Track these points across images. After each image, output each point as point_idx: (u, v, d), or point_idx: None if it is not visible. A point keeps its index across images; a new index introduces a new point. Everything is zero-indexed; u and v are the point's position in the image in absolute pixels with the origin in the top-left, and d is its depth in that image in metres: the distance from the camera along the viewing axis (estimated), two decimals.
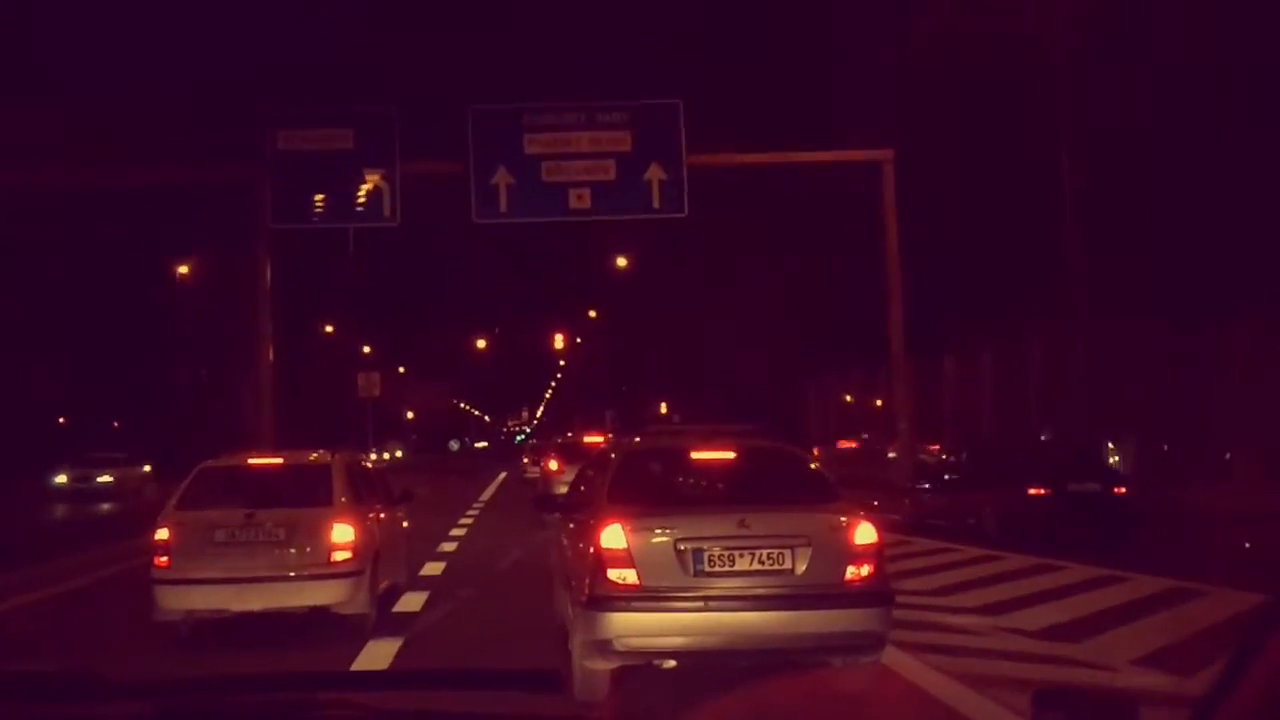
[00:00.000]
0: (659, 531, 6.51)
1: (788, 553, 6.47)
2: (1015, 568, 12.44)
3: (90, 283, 44.63)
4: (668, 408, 50.75)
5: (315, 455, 9.96)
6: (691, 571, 6.42)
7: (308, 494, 9.31)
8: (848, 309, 29.67)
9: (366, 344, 68.69)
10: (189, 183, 24.95)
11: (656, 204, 24.30)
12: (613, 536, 6.51)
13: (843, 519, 6.73)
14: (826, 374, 32.67)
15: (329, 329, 64.64)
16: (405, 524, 11.67)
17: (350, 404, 54.09)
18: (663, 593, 6.40)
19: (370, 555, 9.32)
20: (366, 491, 10.18)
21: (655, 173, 24.24)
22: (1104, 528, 14.88)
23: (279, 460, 10.16)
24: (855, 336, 29.34)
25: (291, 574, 8.84)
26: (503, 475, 41.17)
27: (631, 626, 6.37)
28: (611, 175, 24.15)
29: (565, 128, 24.26)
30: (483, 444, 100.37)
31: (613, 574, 6.45)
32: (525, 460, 37.07)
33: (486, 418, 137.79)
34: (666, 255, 39.72)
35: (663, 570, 6.43)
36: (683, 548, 6.44)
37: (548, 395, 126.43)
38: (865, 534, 6.63)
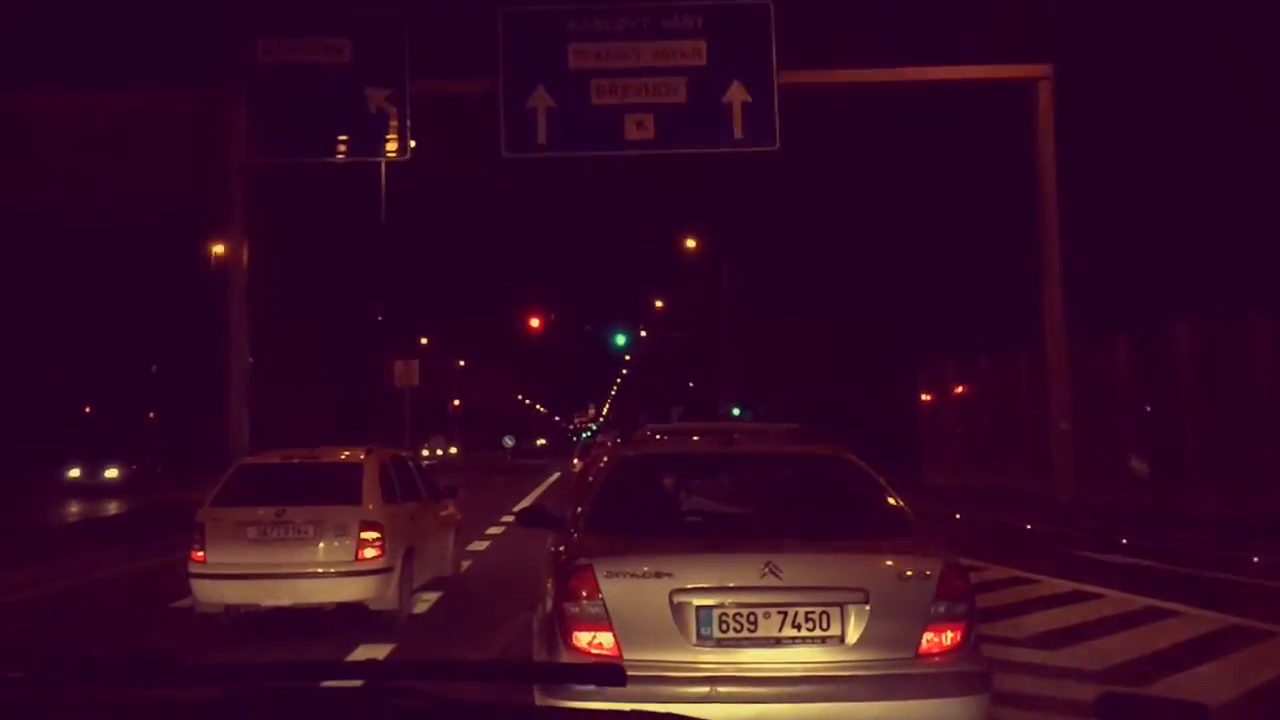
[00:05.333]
0: (648, 577, 4.63)
1: (835, 612, 4.59)
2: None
3: (114, 267, 40.57)
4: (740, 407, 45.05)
5: (348, 453, 10.13)
6: (694, 638, 4.59)
7: (338, 492, 9.38)
8: (980, 275, 23.88)
9: (423, 332, 64.35)
10: (143, 107, 19.84)
11: (739, 134, 18.84)
12: (582, 583, 4.66)
13: (917, 562, 4.73)
14: (946, 362, 26.73)
15: (380, 318, 60.54)
16: (456, 516, 12.23)
17: (391, 395, 49.32)
18: (652, 669, 4.43)
19: (401, 552, 9.40)
20: (405, 488, 10.29)
21: (738, 94, 18.76)
22: None
23: (312, 458, 10.24)
24: (988, 312, 23.55)
25: (320, 570, 8.98)
26: (556, 475, 38.14)
27: None
28: (681, 97, 18.79)
29: (622, 36, 18.90)
30: (542, 441, 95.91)
31: (580, 638, 4.63)
32: (575, 460, 32.53)
33: (548, 412, 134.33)
34: (742, 219, 34.24)
35: (653, 635, 4.59)
36: (683, 602, 4.60)
37: (614, 391, 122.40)
38: (950, 584, 4.65)
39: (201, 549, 9.03)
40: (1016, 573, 11.75)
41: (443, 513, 11.60)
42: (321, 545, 9.05)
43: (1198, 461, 16.95)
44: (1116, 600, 9.86)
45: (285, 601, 9.04)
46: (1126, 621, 8.88)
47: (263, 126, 19.04)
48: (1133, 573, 11.95)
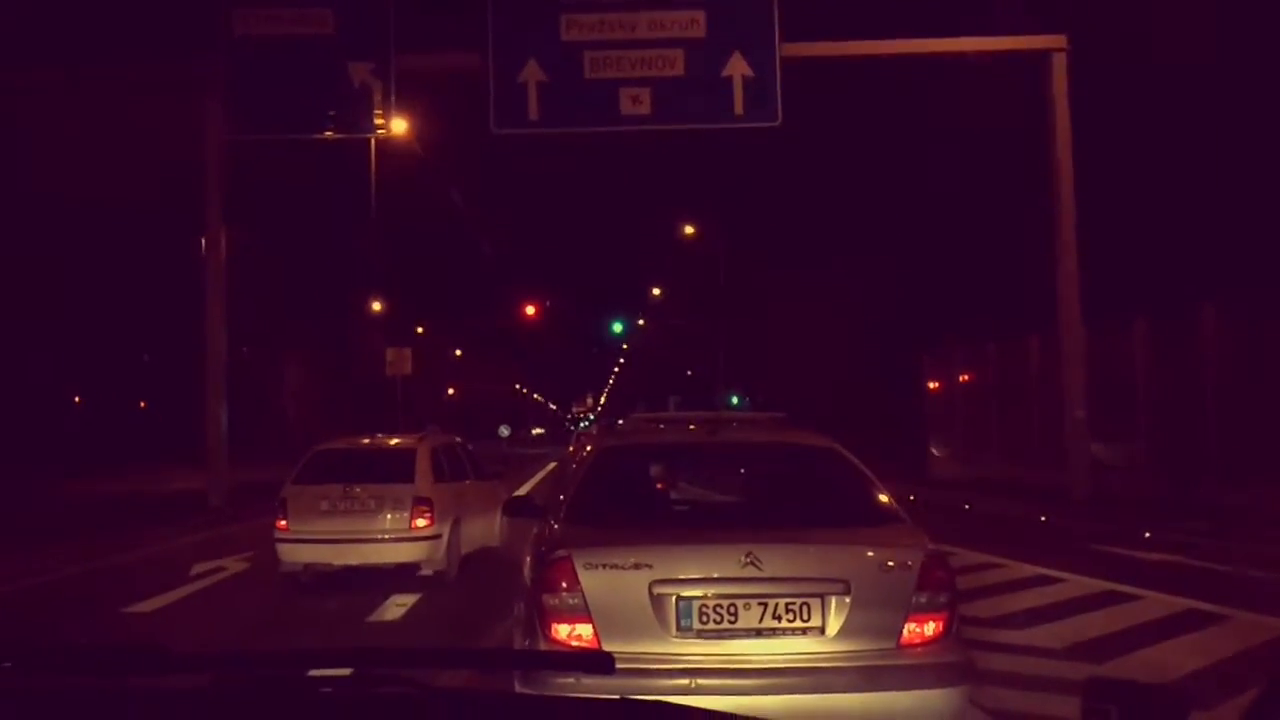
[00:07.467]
0: (627, 569, 4.58)
1: (816, 603, 4.54)
2: None
3: (104, 256, 39.53)
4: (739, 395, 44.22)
5: (405, 440, 12.28)
6: (674, 629, 4.54)
7: (396, 472, 11.24)
8: (989, 258, 23.02)
9: (419, 322, 63.28)
10: (113, 80, 18.89)
11: (739, 109, 17.99)
12: (561, 574, 4.61)
13: (898, 552, 4.70)
14: (953, 348, 25.86)
15: (376, 306, 59.67)
16: (501, 494, 13.07)
17: (385, 385, 48.41)
18: (631, 661, 4.32)
19: (449, 523, 11.24)
20: (454, 469, 12.14)
21: (738, 66, 17.91)
22: None
23: (375, 444, 12.42)
24: (997, 296, 22.71)
25: (380, 537, 10.87)
26: (552, 465, 37.02)
27: None
28: (679, 70, 17.96)
29: (616, 6, 18.04)
30: (539, 430, 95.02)
31: (559, 630, 4.56)
32: (572, 449, 31.89)
33: (546, 401, 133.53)
34: (741, 199, 33.36)
35: (632, 627, 4.52)
36: (662, 594, 4.55)
37: (611, 380, 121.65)
38: (931, 574, 4.61)
39: (284, 518, 10.88)
40: (1041, 570, 10.94)
41: (490, 491, 13.17)
42: (383, 516, 10.85)
43: (1221, 451, 16.12)
44: (1157, 602, 9.03)
45: (353, 561, 10.84)
46: (1175, 628, 8.05)
47: (240, 101, 18.20)
48: (1166, 570, 11.13)
